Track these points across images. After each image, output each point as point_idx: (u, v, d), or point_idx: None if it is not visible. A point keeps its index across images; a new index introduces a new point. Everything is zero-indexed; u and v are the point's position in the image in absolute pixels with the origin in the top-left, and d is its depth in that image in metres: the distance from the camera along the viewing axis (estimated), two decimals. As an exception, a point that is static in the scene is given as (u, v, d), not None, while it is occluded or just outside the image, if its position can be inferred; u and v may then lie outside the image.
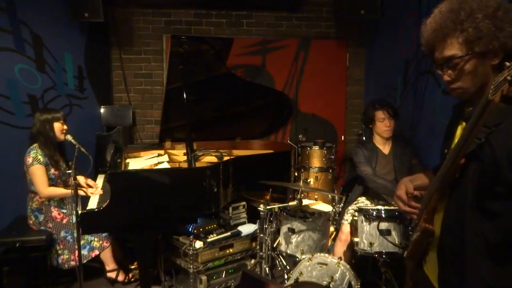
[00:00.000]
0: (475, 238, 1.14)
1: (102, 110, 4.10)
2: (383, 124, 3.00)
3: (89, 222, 2.51)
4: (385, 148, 3.09)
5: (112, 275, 3.20)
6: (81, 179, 3.15)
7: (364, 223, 2.56)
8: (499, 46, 1.11)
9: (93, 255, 3.10)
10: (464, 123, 1.26)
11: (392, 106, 3.05)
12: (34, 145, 3.07)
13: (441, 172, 1.21)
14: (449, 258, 1.22)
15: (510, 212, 1.10)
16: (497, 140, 1.08)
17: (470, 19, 1.12)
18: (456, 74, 1.17)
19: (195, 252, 2.89)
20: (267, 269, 2.76)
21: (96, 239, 3.11)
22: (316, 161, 3.73)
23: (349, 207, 3.05)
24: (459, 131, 1.28)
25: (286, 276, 2.72)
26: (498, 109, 1.01)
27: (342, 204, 3.04)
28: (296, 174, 3.85)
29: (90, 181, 3.20)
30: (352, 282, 2.27)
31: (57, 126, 3.11)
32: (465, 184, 1.15)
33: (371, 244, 2.52)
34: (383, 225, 2.51)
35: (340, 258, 2.41)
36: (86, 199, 2.98)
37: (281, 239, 2.79)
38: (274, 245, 2.83)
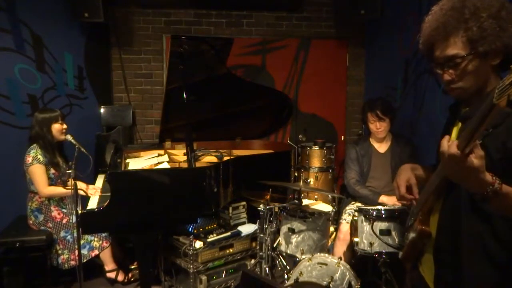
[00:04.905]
0: (471, 239, 1.14)
1: (102, 110, 4.11)
2: (373, 126, 2.97)
3: (89, 222, 2.50)
4: (381, 147, 3.06)
5: (111, 275, 3.21)
6: (81, 185, 3.09)
7: (364, 223, 2.56)
8: (501, 47, 1.09)
9: (93, 254, 3.10)
10: (460, 124, 1.24)
11: (382, 108, 2.91)
12: (34, 144, 3.07)
13: (438, 172, 1.20)
14: (445, 259, 1.21)
15: None
16: (493, 142, 1.07)
17: (474, 17, 1.09)
18: (457, 74, 1.15)
19: (195, 252, 2.89)
20: (267, 269, 2.76)
21: (96, 239, 3.11)
22: (316, 161, 3.73)
23: (347, 207, 3.05)
24: (455, 132, 1.27)
25: (286, 276, 2.72)
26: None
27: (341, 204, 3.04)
28: (296, 174, 3.85)
29: (90, 187, 3.20)
30: (352, 282, 2.27)
31: (56, 127, 3.11)
32: (460, 185, 1.14)
33: (371, 244, 2.52)
34: (383, 225, 2.51)
35: (340, 258, 2.40)
36: (86, 199, 2.98)
37: (281, 239, 2.79)
38: (274, 245, 2.83)
